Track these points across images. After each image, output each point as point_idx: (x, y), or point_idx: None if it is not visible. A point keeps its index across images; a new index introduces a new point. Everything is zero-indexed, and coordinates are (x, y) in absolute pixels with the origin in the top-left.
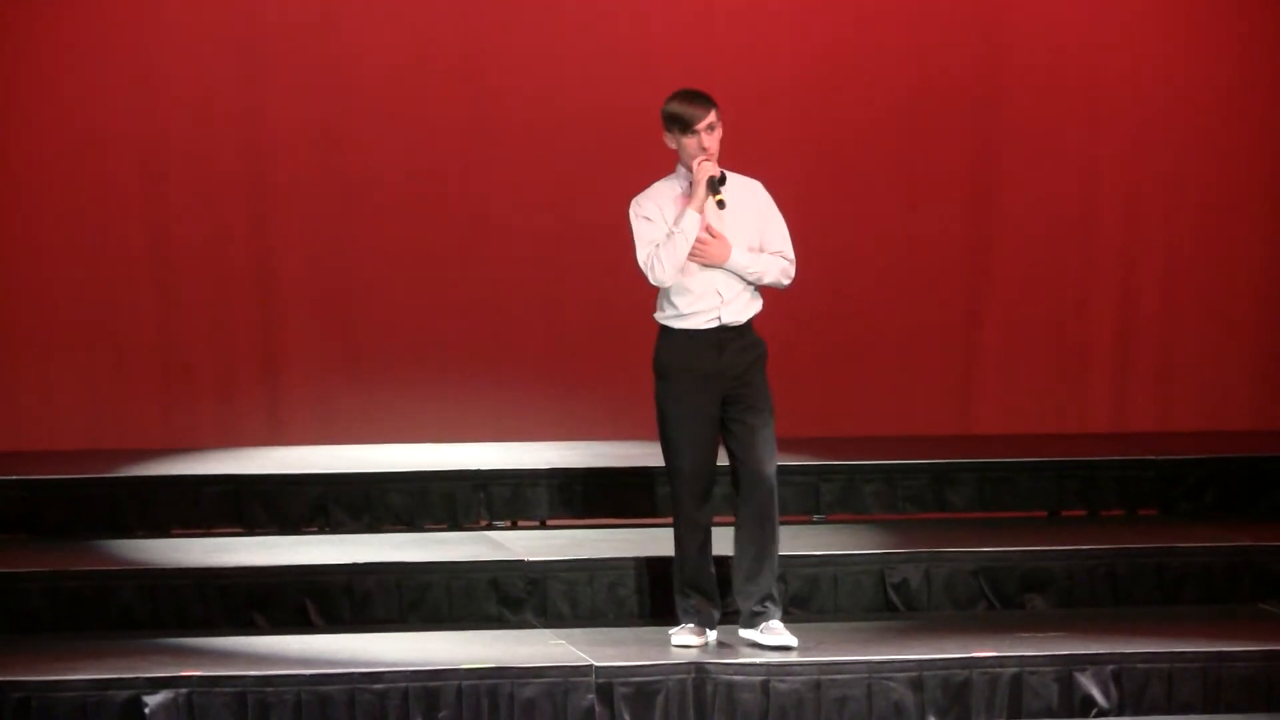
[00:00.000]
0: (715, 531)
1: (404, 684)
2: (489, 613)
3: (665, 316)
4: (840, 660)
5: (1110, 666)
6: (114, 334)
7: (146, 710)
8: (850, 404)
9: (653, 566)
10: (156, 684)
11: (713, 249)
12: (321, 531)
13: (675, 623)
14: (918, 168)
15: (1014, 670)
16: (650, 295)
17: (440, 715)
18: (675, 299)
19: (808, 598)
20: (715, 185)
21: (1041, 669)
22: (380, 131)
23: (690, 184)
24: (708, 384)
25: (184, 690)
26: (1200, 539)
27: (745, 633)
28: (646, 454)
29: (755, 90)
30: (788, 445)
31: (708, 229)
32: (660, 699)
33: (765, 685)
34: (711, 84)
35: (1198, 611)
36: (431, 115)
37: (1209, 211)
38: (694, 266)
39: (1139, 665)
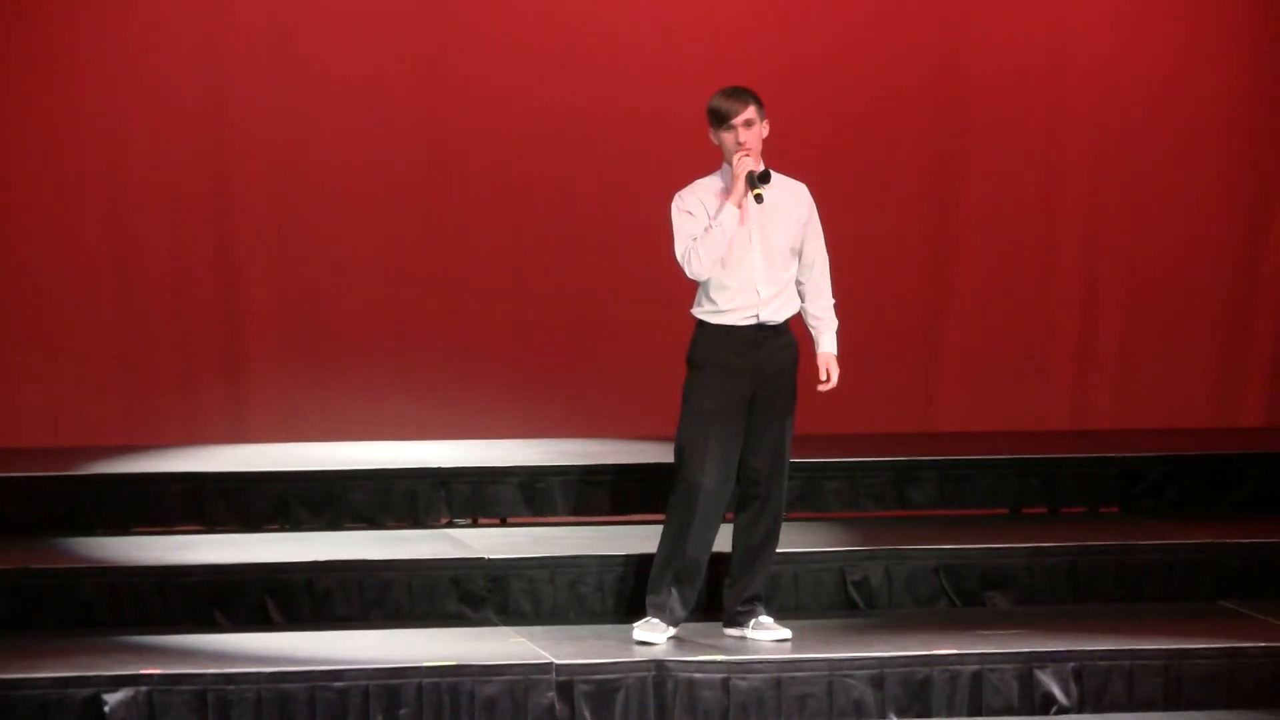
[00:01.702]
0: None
1: (365, 682)
2: (450, 610)
3: (703, 312)
4: (801, 658)
5: (1071, 664)
6: (76, 331)
7: (106, 708)
8: (812, 401)
9: (614, 564)
10: (117, 682)
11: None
12: (283, 529)
13: (636, 620)
14: (880, 168)
15: (974, 668)
16: (608, 297)
17: (401, 713)
18: (714, 294)
19: (768, 596)
20: (754, 180)
21: (1002, 666)
22: (343, 131)
23: (732, 179)
24: (742, 380)
25: (144, 688)
26: (1161, 536)
27: (734, 631)
28: (608, 451)
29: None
30: None
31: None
32: (620, 696)
33: (726, 683)
34: (674, 88)
35: (1158, 609)
36: (395, 115)
37: (1169, 211)
38: (733, 262)
39: (1099, 662)
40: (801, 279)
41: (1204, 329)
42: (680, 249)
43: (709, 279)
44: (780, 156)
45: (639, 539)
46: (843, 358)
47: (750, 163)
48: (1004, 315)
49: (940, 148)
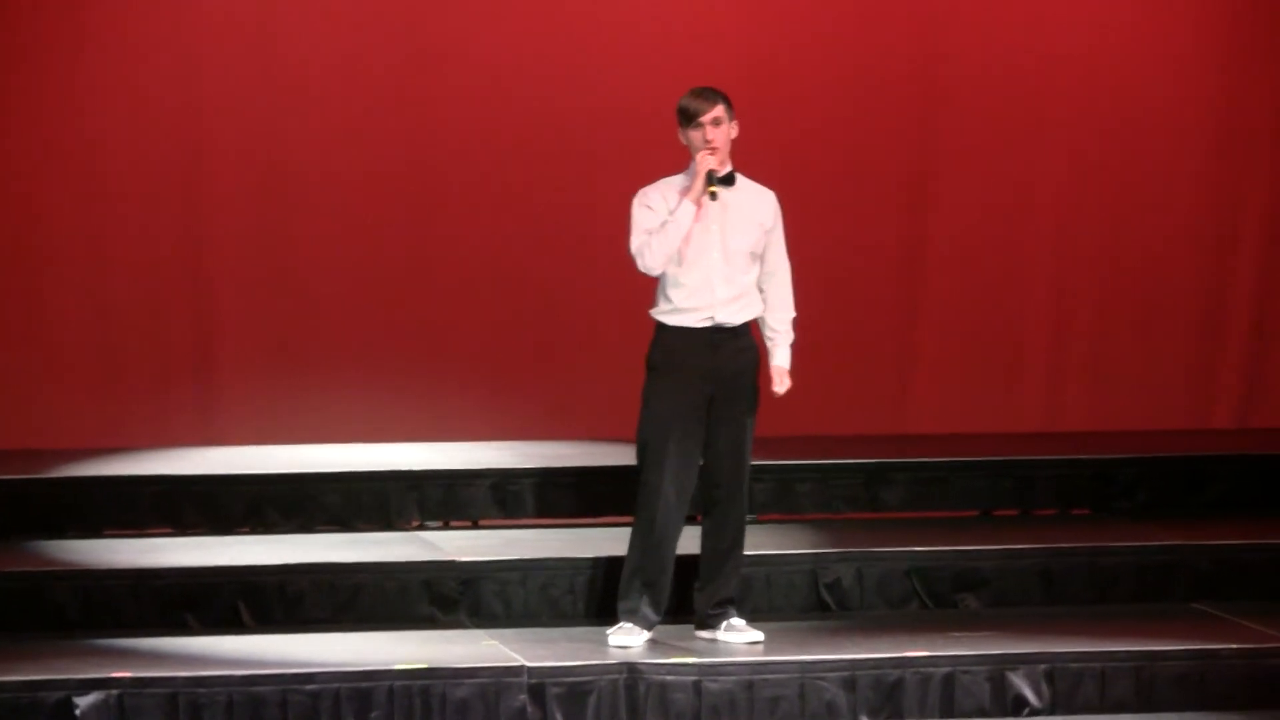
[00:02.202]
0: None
1: (336, 685)
2: (421, 613)
3: (660, 312)
4: (773, 660)
5: (1043, 666)
6: (47, 333)
7: (77, 711)
8: (783, 403)
9: (585, 567)
10: (88, 685)
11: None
12: (254, 532)
13: (608, 623)
14: (854, 169)
15: (946, 670)
16: (579, 299)
17: (372, 716)
18: (670, 292)
19: (740, 598)
20: (713, 178)
21: (974, 668)
22: (317, 133)
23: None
24: (699, 382)
25: (115, 691)
26: (1133, 538)
27: (705, 634)
28: (580, 454)
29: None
30: None
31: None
32: (592, 699)
33: (697, 685)
34: (651, 90)
35: (1130, 610)
36: (368, 118)
37: (1142, 213)
38: (691, 260)
39: (1071, 664)
40: (763, 286)
41: (1176, 331)
42: (635, 243)
43: (667, 276)
44: (756, 158)
45: (611, 541)
46: (816, 358)
47: (712, 160)
48: (977, 317)
49: (915, 149)
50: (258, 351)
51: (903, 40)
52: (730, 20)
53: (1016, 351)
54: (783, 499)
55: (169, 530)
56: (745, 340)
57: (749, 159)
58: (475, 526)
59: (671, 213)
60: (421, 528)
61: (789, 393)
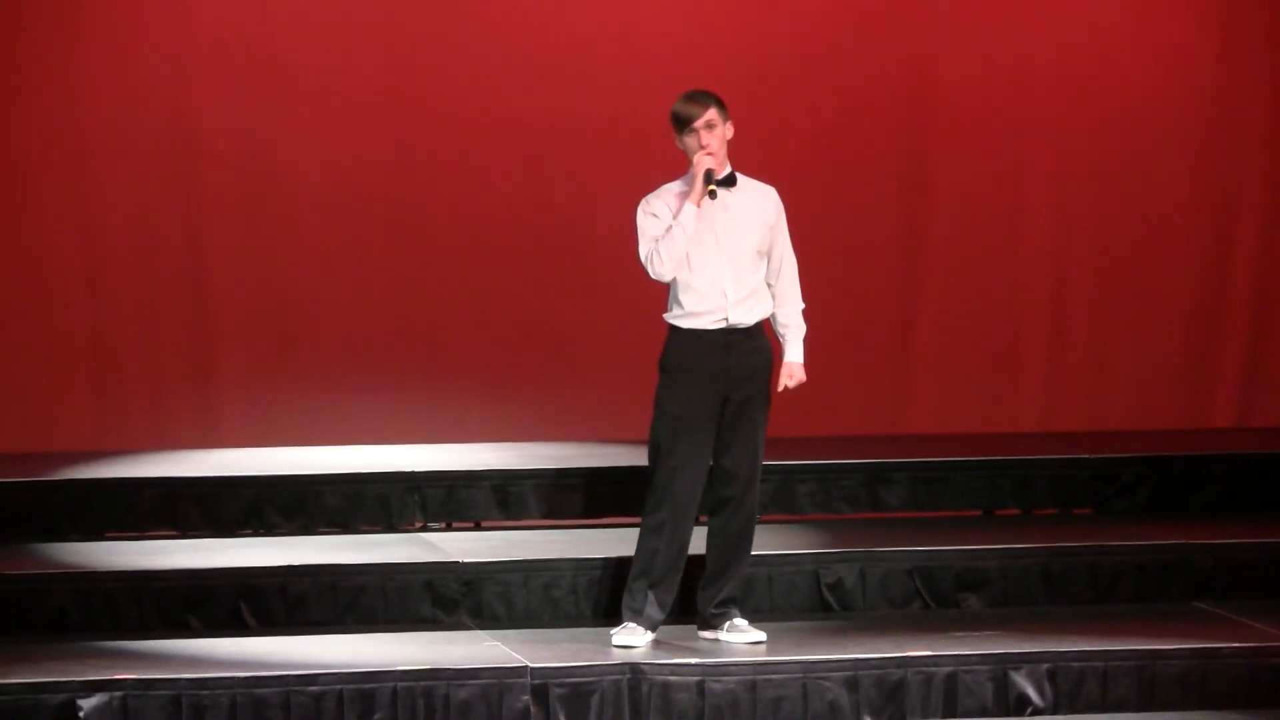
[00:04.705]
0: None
1: (339, 686)
2: (424, 614)
3: (673, 316)
4: (775, 660)
5: (1045, 665)
6: (46, 337)
7: (81, 714)
8: (783, 404)
9: (587, 568)
10: (91, 687)
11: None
12: (256, 534)
13: (610, 623)
14: (848, 168)
15: (949, 669)
16: (580, 300)
17: (375, 717)
18: (682, 297)
19: (743, 598)
20: (711, 177)
21: (976, 668)
22: (312, 135)
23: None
24: (713, 383)
25: (119, 693)
26: (1133, 537)
27: (708, 634)
28: (582, 455)
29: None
30: None
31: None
32: (595, 699)
33: (700, 685)
34: (639, 87)
35: (1131, 609)
36: (366, 121)
37: (1138, 211)
38: (699, 264)
39: (1074, 664)
40: (770, 282)
41: (1174, 330)
42: (644, 251)
43: (677, 282)
44: (751, 158)
45: (612, 542)
46: (814, 359)
47: (710, 161)
48: (975, 317)
49: (910, 150)
50: (258, 353)
51: (895, 38)
52: (723, 21)
53: (1015, 351)
54: (783, 499)
55: (170, 533)
56: (759, 340)
57: (744, 159)
58: (477, 528)
59: (674, 217)
60: (423, 529)
61: (789, 394)
